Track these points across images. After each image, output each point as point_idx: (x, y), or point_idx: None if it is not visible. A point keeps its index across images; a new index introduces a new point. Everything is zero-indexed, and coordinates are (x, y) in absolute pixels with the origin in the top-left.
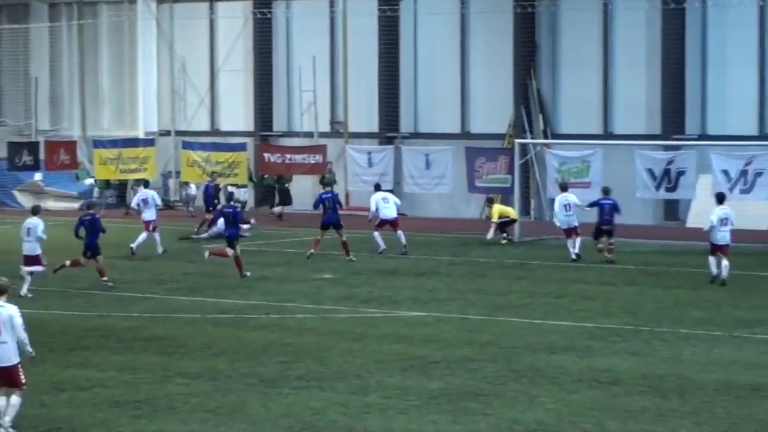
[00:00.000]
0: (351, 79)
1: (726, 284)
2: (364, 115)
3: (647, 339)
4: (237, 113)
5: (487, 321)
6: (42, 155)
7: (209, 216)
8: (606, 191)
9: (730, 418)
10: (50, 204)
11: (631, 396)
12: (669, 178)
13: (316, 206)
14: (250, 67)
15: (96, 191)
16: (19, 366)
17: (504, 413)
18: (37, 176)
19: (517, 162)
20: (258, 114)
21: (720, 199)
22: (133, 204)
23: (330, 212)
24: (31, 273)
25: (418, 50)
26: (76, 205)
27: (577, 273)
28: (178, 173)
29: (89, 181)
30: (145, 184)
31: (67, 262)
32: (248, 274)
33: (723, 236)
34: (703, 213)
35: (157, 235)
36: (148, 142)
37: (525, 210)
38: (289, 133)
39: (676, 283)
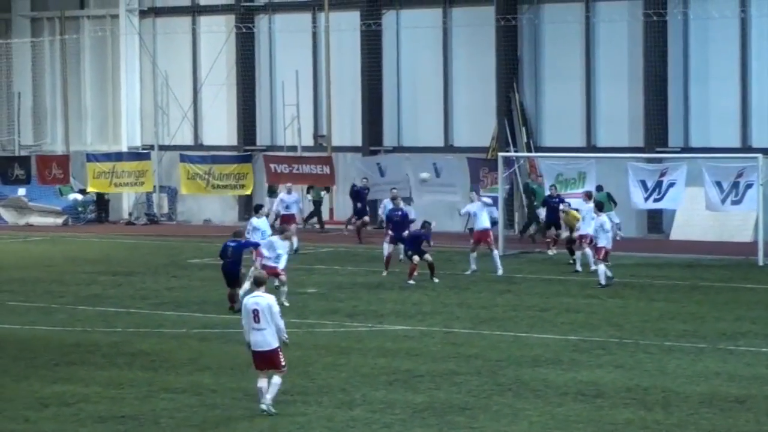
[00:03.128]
0: (334, 92)
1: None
2: (348, 128)
3: (632, 351)
4: (220, 127)
5: (471, 334)
6: (33, 170)
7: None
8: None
9: (715, 430)
10: (33, 219)
11: (616, 408)
12: (659, 190)
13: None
14: (233, 81)
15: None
16: (279, 350)
17: (489, 426)
18: (21, 191)
19: (501, 175)
20: (242, 128)
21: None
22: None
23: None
24: None
25: (400, 63)
26: (59, 220)
27: (561, 286)
28: (162, 187)
29: (73, 196)
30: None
31: None
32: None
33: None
34: (686, 225)
35: None
36: (144, 156)
37: (509, 223)
38: (273, 147)
39: (661, 295)
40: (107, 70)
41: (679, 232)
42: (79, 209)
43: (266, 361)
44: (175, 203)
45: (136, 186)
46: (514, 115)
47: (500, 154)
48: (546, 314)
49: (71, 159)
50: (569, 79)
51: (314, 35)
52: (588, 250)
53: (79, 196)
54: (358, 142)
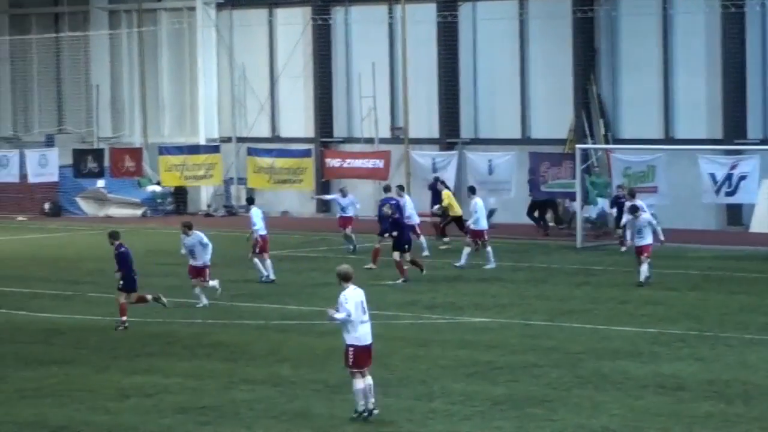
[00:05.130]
0: (411, 84)
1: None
2: (425, 120)
3: (712, 344)
4: (297, 119)
5: (550, 327)
6: (107, 162)
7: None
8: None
9: None
10: (113, 211)
11: (697, 401)
12: (730, 183)
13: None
14: (310, 73)
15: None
16: None
17: (569, 419)
18: (100, 183)
19: (579, 167)
20: (318, 120)
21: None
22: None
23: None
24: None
25: (477, 55)
26: (138, 212)
27: None
28: (240, 179)
29: (151, 188)
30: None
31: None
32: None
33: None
34: (766, 217)
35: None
36: (213, 149)
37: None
38: (350, 139)
39: (741, 288)
40: (184, 62)
41: (759, 224)
42: (158, 201)
43: (370, 354)
44: (254, 195)
45: (205, 179)
46: (591, 107)
47: (577, 146)
48: (625, 306)
49: (149, 151)
50: (647, 70)
51: (390, 27)
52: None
53: (158, 188)
54: (436, 134)
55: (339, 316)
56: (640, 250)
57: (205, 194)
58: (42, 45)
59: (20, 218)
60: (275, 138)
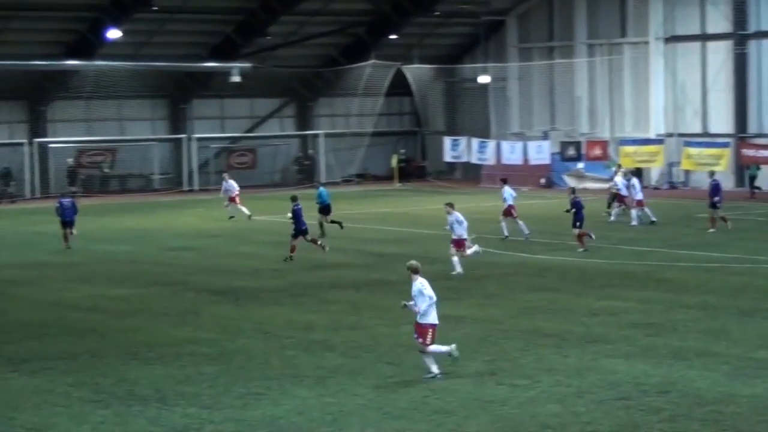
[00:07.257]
0: None
1: None
2: None
3: None
4: (721, 120)
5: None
6: (583, 150)
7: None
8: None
9: None
10: (588, 185)
11: None
12: None
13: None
14: (731, 87)
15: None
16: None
17: None
18: (580, 165)
19: None
20: (737, 120)
21: None
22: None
23: None
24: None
25: None
26: (606, 185)
27: None
28: (678, 163)
29: (613, 168)
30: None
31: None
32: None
33: None
34: None
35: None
36: (657, 141)
37: None
38: (761, 135)
39: None
40: (640, 80)
41: None
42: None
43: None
44: (689, 174)
45: (651, 162)
46: None
47: None
48: None
49: (613, 143)
50: None
51: None
52: None
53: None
54: None
55: (423, 305)
56: None
57: (654, 173)
58: (540, 69)
59: (523, 189)
60: (705, 134)
